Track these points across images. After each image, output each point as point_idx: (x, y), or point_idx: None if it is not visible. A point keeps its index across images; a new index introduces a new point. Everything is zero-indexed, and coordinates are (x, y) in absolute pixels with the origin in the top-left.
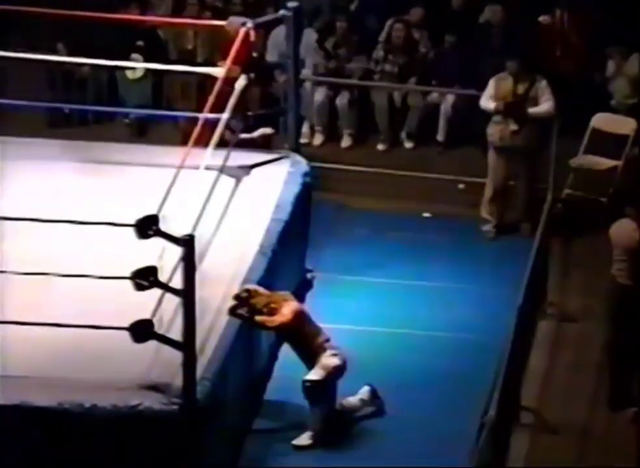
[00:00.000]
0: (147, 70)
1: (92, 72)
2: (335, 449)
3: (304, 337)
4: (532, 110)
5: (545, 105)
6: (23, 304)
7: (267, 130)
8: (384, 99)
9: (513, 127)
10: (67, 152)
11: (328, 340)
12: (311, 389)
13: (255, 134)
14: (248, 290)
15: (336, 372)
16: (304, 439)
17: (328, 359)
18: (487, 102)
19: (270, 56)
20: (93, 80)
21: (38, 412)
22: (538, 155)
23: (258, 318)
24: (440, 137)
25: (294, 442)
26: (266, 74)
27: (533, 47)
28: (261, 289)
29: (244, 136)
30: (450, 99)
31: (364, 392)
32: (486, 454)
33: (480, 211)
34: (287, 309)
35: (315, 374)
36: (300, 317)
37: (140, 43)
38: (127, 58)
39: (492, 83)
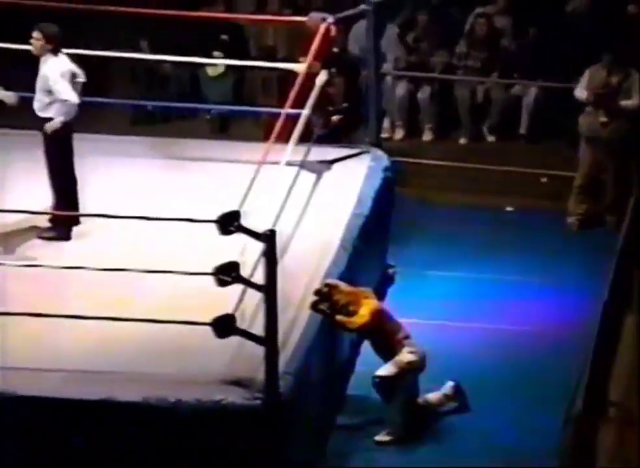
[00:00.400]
0: (228, 67)
1: (175, 69)
2: (417, 445)
3: (383, 335)
4: (624, 102)
5: (636, 99)
6: (107, 300)
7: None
8: (466, 93)
9: (603, 118)
10: (150, 149)
11: (407, 336)
12: (380, 384)
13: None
14: (328, 285)
15: (410, 369)
16: (386, 434)
17: (403, 356)
18: (580, 92)
19: (352, 50)
20: (176, 77)
21: (123, 407)
22: (628, 148)
23: (338, 317)
24: (522, 130)
25: (377, 438)
26: (351, 68)
27: (622, 37)
28: (342, 284)
29: None
30: (533, 91)
31: (448, 387)
32: (572, 449)
33: (565, 203)
34: (366, 308)
35: (385, 370)
36: (379, 316)
37: (224, 37)
38: (210, 55)
39: (586, 74)
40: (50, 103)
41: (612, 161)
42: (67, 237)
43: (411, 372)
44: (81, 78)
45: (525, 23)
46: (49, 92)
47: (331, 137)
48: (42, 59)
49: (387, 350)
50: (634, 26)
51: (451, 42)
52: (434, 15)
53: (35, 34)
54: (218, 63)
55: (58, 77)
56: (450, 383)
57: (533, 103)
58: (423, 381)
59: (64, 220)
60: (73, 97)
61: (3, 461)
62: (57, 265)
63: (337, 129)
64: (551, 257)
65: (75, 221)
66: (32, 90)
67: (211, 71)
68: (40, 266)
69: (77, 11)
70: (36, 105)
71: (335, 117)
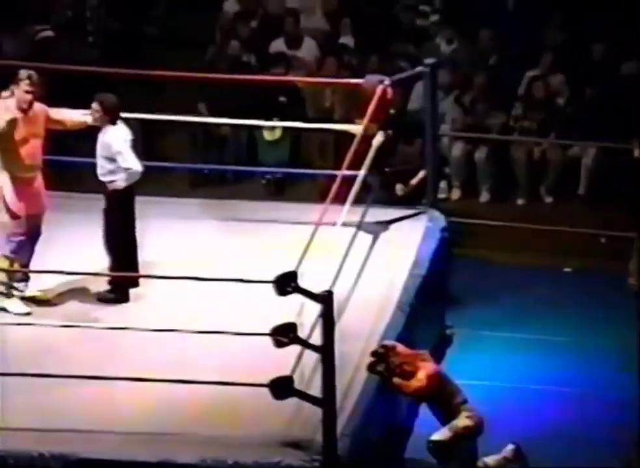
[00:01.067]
0: (285, 131)
1: (232, 132)
2: None
3: (441, 398)
4: None
5: None
6: (165, 361)
7: (421, 173)
8: (523, 154)
9: None
10: (208, 211)
11: (465, 400)
12: (435, 449)
13: (414, 180)
14: (385, 347)
15: (466, 433)
16: None
17: (460, 420)
18: None
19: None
20: (233, 140)
21: None
22: None
23: (395, 380)
24: (581, 191)
25: None
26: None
27: None
28: (399, 346)
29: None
30: (591, 152)
31: (508, 450)
32: None
33: (625, 264)
34: (423, 372)
35: (440, 435)
36: (436, 381)
37: (282, 99)
38: (267, 118)
39: None
40: (113, 171)
41: None
42: (125, 299)
43: (468, 436)
44: (130, 136)
45: (580, 83)
46: (112, 159)
47: (412, 198)
48: (102, 129)
49: (444, 414)
50: None
51: (507, 103)
52: (490, 76)
53: (94, 105)
54: (275, 125)
55: (121, 146)
56: (510, 446)
57: (591, 163)
58: (480, 443)
59: (122, 281)
60: (137, 166)
61: None
62: (116, 326)
63: (418, 190)
64: (610, 319)
65: (134, 283)
66: (93, 155)
67: (268, 136)
68: (99, 328)
69: (138, 76)
70: (99, 171)
71: (415, 179)
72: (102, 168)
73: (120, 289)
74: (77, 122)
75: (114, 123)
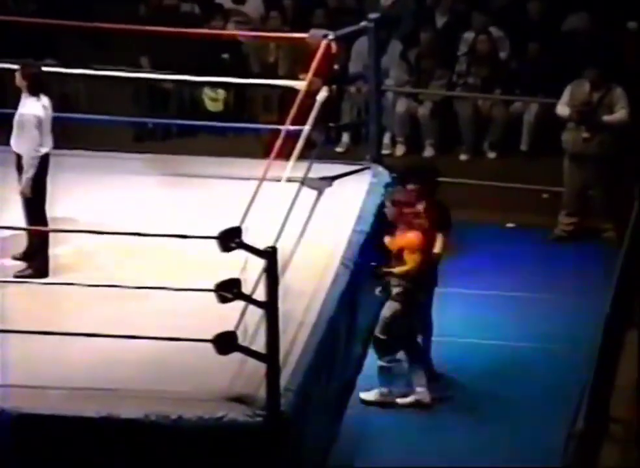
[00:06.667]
0: (228, 102)
1: (175, 86)
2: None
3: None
4: (606, 117)
5: (619, 113)
6: (108, 317)
7: None
8: (468, 110)
9: (585, 134)
10: (151, 165)
11: None
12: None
13: None
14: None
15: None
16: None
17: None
18: (562, 108)
19: (354, 67)
20: (176, 94)
21: (125, 424)
22: (615, 162)
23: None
24: (523, 147)
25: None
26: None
27: (617, 54)
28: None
29: None
30: (533, 108)
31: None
32: (574, 466)
33: None
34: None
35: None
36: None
37: (225, 55)
38: (211, 72)
39: (567, 89)
40: (24, 142)
41: (598, 176)
42: (44, 274)
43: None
44: (46, 115)
45: (523, 38)
46: (23, 131)
47: None
48: (23, 95)
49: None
50: (630, 43)
51: (453, 61)
52: (438, 34)
53: (18, 70)
54: (218, 96)
55: (30, 125)
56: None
57: (533, 119)
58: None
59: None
60: (37, 151)
61: None
62: (58, 282)
63: None
64: (551, 273)
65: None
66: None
67: (212, 107)
68: (42, 283)
69: (80, 28)
70: (12, 140)
71: None
72: (15, 137)
73: (36, 263)
74: None
75: (34, 93)
